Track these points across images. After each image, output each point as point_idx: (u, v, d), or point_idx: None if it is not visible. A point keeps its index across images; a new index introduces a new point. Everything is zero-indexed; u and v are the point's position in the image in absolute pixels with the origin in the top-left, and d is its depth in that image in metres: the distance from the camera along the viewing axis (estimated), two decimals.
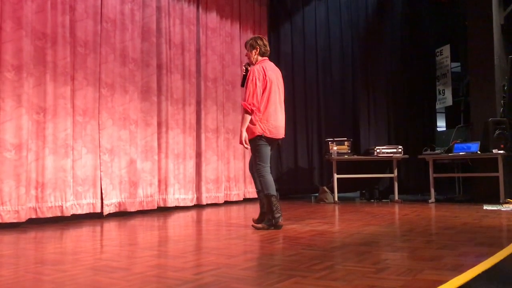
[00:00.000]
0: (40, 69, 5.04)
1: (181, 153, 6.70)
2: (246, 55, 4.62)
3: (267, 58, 4.54)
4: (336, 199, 7.46)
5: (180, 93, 6.77)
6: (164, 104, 6.48)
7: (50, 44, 5.13)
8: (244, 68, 4.54)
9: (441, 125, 10.14)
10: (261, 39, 4.54)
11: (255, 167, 4.39)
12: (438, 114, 9.69)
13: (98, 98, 5.62)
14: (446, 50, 8.68)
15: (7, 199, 4.58)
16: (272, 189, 4.28)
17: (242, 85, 4.56)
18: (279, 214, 4.25)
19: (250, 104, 4.26)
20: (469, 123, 7.64)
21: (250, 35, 8.27)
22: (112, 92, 5.76)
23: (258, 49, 4.48)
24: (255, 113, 4.27)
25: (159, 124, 6.42)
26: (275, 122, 4.34)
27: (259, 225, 4.34)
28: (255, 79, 4.29)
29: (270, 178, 4.31)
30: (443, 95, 8.75)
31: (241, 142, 4.33)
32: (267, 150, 4.34)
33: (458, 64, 9.22)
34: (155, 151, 6.29)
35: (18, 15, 4.78)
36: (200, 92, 7.15)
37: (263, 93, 4.30)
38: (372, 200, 7.84)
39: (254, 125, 4.27)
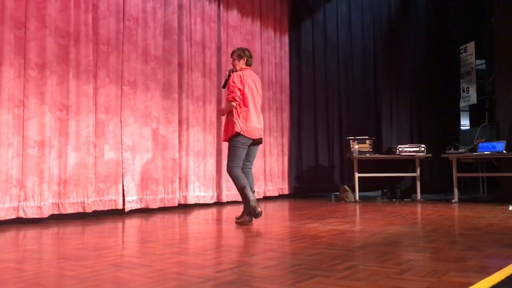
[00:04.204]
0: (63, 67, 5.10)
1: (201, 151, 6.71)
2: (231, 62, 4.99)
3: (249, 67, 4.93)
4: (357, 198, 7.39)
5: (201, 91, 6.78)
6: (185, 102, 6.50)
7: (73, 43, 5.18)
8: (227, 73, 4.97)
9: (464, 123, 9.94)
10: (249, 51, 4.95)
11: (227, 165, 4.75)
12: (461, 113, 9.50)
13: (120, 95, 5.67)
14: (471, 47, 8.50)
15: (30, 195, 4.65)
16: (243, 180, 4.63)
17: (223, 87, 5.03)
18: (255, 204, 4.53)
19: (232, 93, 4.65)
20: (494, 122, 7.47)
21: (271, 33, 8.28)
22: (134, 90, 5.80)
23: (246, 60, 4.89)
24: (236, 112, 4.67)
25: (180, 122, 6.44)
26: (252, 123, 4.71)
27: (241, 219, 4.67)
28: (235, 81, 4.69)
29: (239, 172, 4.66)
30: (467, 93, 8.58)
31: (219, 110, 4.95)
32: (241, 152, 4.70)
33: (483, 61, 9.02)
34: (176, 149, 6.31)
35: (42, 13, 4.84)
36: (221, 90, 7.14)
37: (243, 97, 4.69)
38: (394, 200, 7.74)
39: (234, 122, 4.65)
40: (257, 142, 4.82)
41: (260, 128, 4.82)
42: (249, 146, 4.78)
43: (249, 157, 4.85)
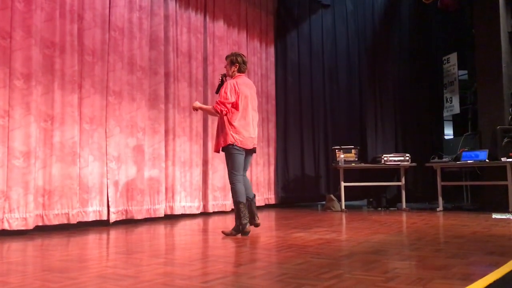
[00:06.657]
0: (48, 77, 5.07)
1: (187, 161, 6.70)
2: (224, 67, 4.85)
3: (243, 74, 4.78)
4: (343, 207, 7.42)
5: (187, 101, 6.78)
6: (171, 112, 6.50)
7: (59, 53, 5.16)
8: (220, 78, 4.84)
9: (448, 133, 10.08)
10: (242, 57, 4.76)
11: (229, 175, 4.59)
12: (445, 122, 9.64)
13: (106, 106, 5.64)
14: (453, 58, 8.66)
15: (15, 206, 4.59)
16: (241, 196, 4.49)
17: (216, 92, 4.85)
18: (246, 221, 4.46)
19: (220, 105, 4.51)
20: (477, 131, 7.60)
21: (257, 44, 8.32)
22: (119, 100, 5.78)
23: (238, 66, 4.72)
24: (229, 123, 4.52)
25: (166, 132, 6.43)
26: (247, 133, 4.58)
27: (228, 231, 4.58)
28: (228, 90, 4.54)
29: (240, 186, 4.52)
30: (450, 103, 8.71)
31: (199, 107, 4.82)
32: (240, 159, 4.55)
33: (465, 72, 9.19)
34: (162, 159, 6.29)
35: (27, 24, 4.82)
36: (207, 100, 7.15)
37: (236, 107, 4.54)
38: (380, 208, 7.79)
39: (227, 134, 4.51)
40: (250, 151, 4.67)
41: (254, 137, 4.67)
42: None
43: (244, 166, 4.70)
